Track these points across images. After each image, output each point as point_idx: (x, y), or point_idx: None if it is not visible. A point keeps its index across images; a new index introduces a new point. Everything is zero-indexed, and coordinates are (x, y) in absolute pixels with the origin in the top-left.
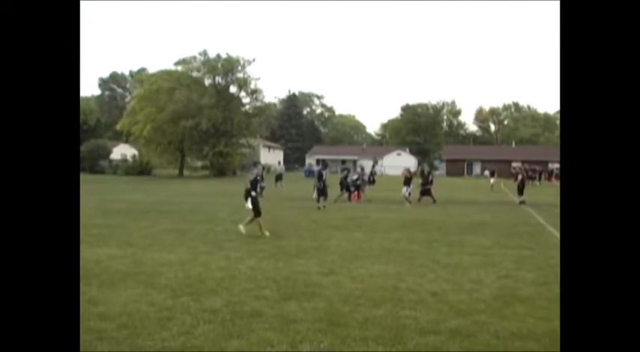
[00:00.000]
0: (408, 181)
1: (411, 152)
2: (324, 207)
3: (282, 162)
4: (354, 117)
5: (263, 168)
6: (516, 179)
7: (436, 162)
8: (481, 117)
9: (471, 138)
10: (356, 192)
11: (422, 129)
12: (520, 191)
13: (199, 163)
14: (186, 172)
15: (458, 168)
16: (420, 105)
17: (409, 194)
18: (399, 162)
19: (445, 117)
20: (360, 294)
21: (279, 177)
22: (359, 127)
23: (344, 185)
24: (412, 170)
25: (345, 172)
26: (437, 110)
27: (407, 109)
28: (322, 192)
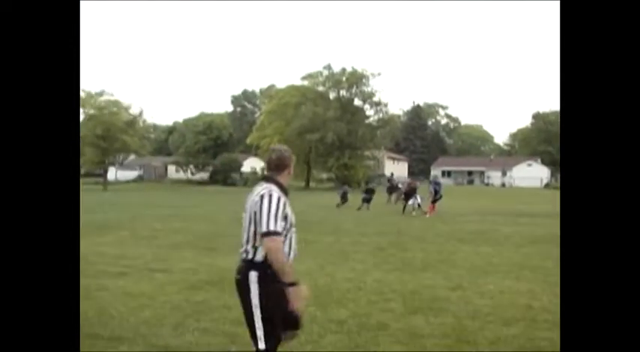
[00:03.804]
0: (413, 192)
1: (543, 162)
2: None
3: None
4: (480, 127)
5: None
6: None
7: None
8: None
9: None
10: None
11: (555, 138)
12: None
13: (324, 175)
14: (312, 184)
15: None
16: (552, 113)
17: (418, 205)
18: (529, 173)
19: None
20: (490, 311)
21: (393, 189)
22: (486, 137)
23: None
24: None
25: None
26: None
27: (538, 117)
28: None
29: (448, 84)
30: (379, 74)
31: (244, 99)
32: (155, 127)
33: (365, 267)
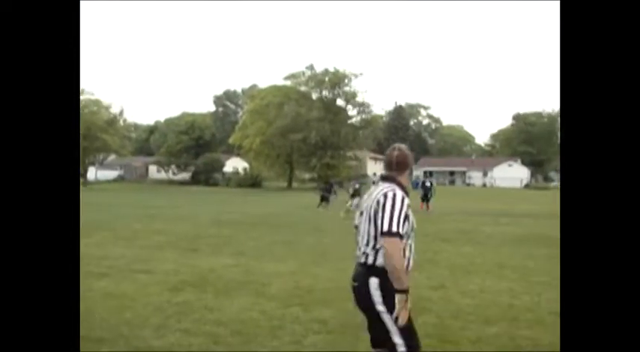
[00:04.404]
0: (358, 193)
1: (523, 163)
2: None
3: (376, 174)
4: (462, 127)
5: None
6: None
7: (551, 174)
8: None
9: None
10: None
11: (535, 138)
12: None
13: (307, 175)
14: (294, 184)
15: None
16: (533, 114)
17: (356, 206)
18: (510, 173)
19: None
20: (472, 310)
21: None
22: (467, 138)
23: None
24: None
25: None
26: (552, 118)
27: (518, 118)
28: None
29: (430, 84)
30: (361, 74)
31: (226, 99)
32: (136, 127)
33: (347, 267)
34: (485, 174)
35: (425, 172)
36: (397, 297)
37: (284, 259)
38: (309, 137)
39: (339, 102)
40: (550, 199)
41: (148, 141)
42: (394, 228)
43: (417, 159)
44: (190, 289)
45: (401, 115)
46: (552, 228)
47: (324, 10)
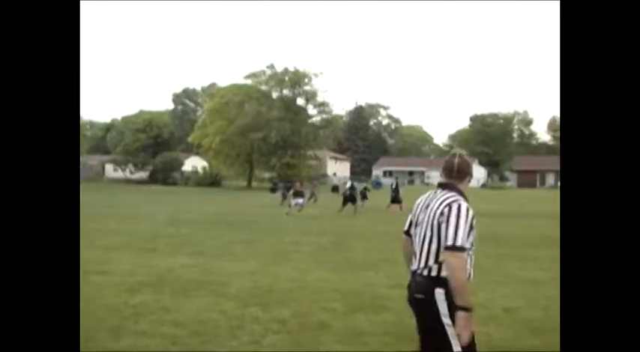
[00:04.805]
0: (300, 194)
1: (481, 163)
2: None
3: (337, 174)
4: (421, 127)
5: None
6: None
7: (507, 173)
8: (554, 126)
9: (544, 149)
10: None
11: (492, 139)
12: None
13: (267, 175)
14: (254, 183)
15: (529, 179)
16: (490, 115)
17: (301, 206)
18: None
19: (516, 127)
20: None
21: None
22: (426, 138)
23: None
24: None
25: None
26: (508, 120)
27: (476, 119)
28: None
29: (390, 85)
30: (321, 74)
31: (185, 97)
32: (92, 124)
33: (307, 266)
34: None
35: (384, 172)
36: (459, 315)
37: (243, 259)
38: (270, 136)
39: (300, 101)
40: (506, 198)
41: (105, 140)
42: (459, 242)
43: (376, 158)
44: (147, 290)
45: (361, 115)
46: (507, 227)
47: (284, 9)
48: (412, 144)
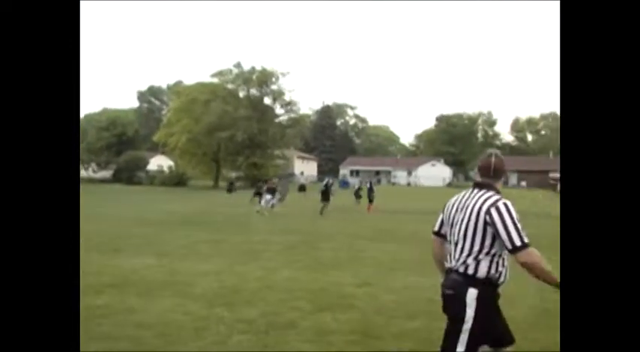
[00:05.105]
0: (272, 191)
1: (446, 163)
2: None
3: (304, 173)
4: (387, 128)
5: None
6: (556, 189)
7: (471, 173)
8: (517, 127)
9: (507, 149)
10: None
11: (457, 139)
12: None
13: (234, 174)
14: (221, 183)
15: None
16: (455, 116)
17: (272, 205)
18: (433, 172)
19: (481, 127)
20: (395, 306)
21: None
22: (393, 138)
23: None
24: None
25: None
26: (472, 120)
27: (441, 120)
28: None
29: (357, 85)
30: (288, 73)
31: (151, 95)
32: None
33: (274, 266)
34: (409, 174)
35: (351, 171)
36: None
37: (210, 258)
38: (236, 135)
39: (267, 100)
40: None
41: None
42: (525, 240)
43: (343, 158)
44: (112, 291)
45: (328, 115)
46: None
47: (252, 7)
48: (379, 144)
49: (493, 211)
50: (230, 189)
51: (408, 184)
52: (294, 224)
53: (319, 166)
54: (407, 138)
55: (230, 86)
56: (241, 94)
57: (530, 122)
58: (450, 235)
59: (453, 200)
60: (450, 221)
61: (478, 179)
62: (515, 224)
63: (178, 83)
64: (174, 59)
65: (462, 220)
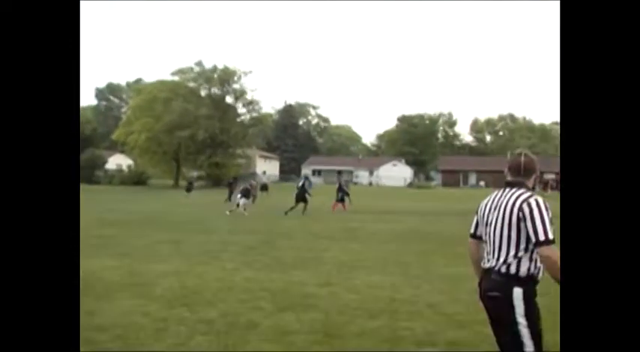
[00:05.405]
0: (247, 193)
1: (407, 163)
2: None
3: (267, 172)
4: (350, 127)
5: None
6: None
7: (432, 173)
8: (477, 127)
9: (467, 149)
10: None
11: (418, 139)
12: None
13: (195, 173)
14: (181, 182)
15: (453, 178)
16: (416, 116)
17: (238, 205)
18: (394, 172)
19: (441, 128)
20: (357, 305)
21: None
22: (355, 138)
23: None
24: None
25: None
26: (433, 121)
27: (403, 120)
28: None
29: (319, 84)
30: (251, 72)
31: (109, 93)
32: None
33: (235, 266)
34: (371, 173)
35: (313, 171)
36: None
37: (170, 259)
38: (197, 134)
39: (229, 99)
40: (431, 197)
41: None
42: (550, 236)
43: (305, 157)
44: None
45: (290, 114)
46: (432, 225)
47: (213, 6)
48: (341, 144)
49: (525, 207)
50: (189, 188)
51: (370, 184)
52: (255, 224)
53: (281, 166)
54: (369, 138)
55: (191, 84)
56: (203, 93)
57: (489, 123)
58: (486, 235)
59: (485, 201)
60: (485, 221)
61: (509, 178)
62: (543, 218)
63: (138, 81)
64: (133, 56)
65: (497, 219)
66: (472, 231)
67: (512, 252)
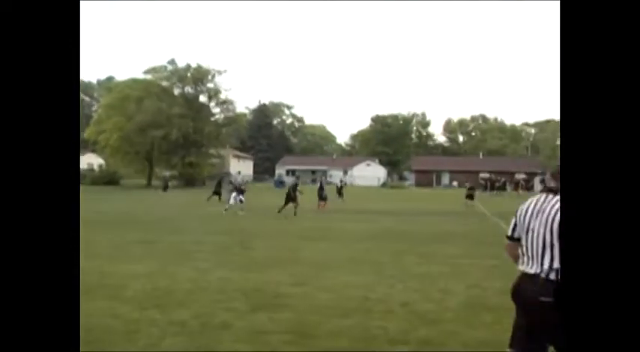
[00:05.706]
0: (242, 190)
1: (381, 163)
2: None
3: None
4: (324, 127)
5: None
6: (485, 189)
7: (405, 173)
8: (449, 128)
9: (440, 149)
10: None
11: (391, 139)
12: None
13: (168, 173)
14: (154, 182)
15: (427, 178)
16: (390, 116)
17: (241, 208)
18: (368, 172)
19: (415, 128)
20: (330, 305)
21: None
22: (329, 138)
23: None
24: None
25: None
26: (407, 121)
27: (377, 120)
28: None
29: (293, 84)
30: (225, 71)
31: (80, 91)
32: None
33: (208, 266)
34: (345, 173)
35: (287, 171)
36: None
37: (141, 260)
38: (171, 134)
39: (202, 98)
40: (404, 197)
41: None
42: None
43: (279, 157)
44: None
45: (264, 114)
46: (405, 224)
47: (186, 4)
48: (315, 144)
49: None
50: (165, 187)
51: (341, 185)
52: (228, 224)
53: (255, 165)
54: (343, 138)
55: (164, 83)
56: (176, 92)
57: (462, 123)
58: (527, 241)
59: (526, 205)
60: (526, 226)
61: (552, 185)
62: None
63: (110, 79)
64: (105, 54)
65: (540, 225)
66: (510, 233)
67: (557, 258)
